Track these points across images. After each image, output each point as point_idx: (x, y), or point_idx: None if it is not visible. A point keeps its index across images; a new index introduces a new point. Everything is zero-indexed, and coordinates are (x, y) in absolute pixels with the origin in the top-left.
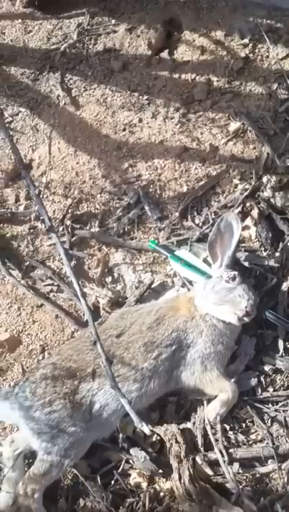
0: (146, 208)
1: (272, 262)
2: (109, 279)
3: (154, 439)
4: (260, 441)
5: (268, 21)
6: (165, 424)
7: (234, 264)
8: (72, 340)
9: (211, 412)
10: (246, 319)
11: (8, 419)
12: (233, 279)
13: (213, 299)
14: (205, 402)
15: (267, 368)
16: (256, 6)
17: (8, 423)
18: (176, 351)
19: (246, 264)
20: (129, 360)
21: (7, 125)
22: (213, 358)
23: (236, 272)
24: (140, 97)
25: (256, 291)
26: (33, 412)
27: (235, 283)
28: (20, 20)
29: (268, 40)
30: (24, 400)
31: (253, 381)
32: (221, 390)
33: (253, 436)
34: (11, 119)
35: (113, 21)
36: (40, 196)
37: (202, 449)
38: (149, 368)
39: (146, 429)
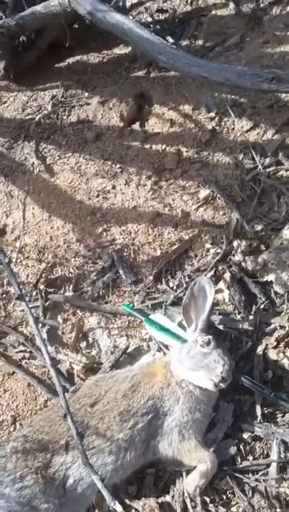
0: (121, 271)
1: (246, 325)
2: (83, 344)
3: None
4: None
5: (232, 96)
6: (143, 498)
7: (209, 327)
8: (44, 410)
9: (190, 484)
10: (222, 385)
11: None
12: (208, 343)
13: (188, 364)
14: (184, 474)
15: (246, 435)
16: (218, 85)
17: None
18: (152, 420)
19: (221, 327)
20: (104, 431)
21: None
22: (190, 426)
23: (211, 336)
24: (113, 166)
25: (232, 354)
26: (2, 489)
27: (210, 348)
28: None
29: (232, 113)
30: None
31: (232, 450)
32: (199, 461)
33: (234, 509)
34: None
35: (86, 94)
36: (14, 261)
37: None
38: (124, 439)
39: (119, 507)
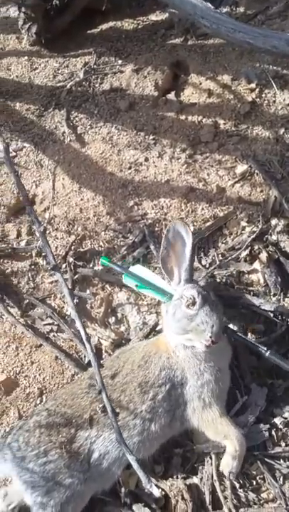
0: (152, 247)
1: (281, 308)
2: (112, 320)
3: (158, 494)
4: (272, 500)
5: (275, 67)
6: (170, 479)
7: (192, 277)
8: (68, 384)
9: (225, 468)
10: (214, 346)
11: (0, 471)
12: (193, 303)
13: (175, 328)
14: (213, 456)
15: (278, 420)
16: (263, 52)
17: (1, 476)
18: (170, 390)
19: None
20: (126, 404)
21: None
22: (206, 390)
23: (195, 294)
24: (146, 137)
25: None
26: (26, 464)
27: (196, 307)
28: (26, 57)
29: (274, 85)
30: (17, 451)
31: (264, 435)
32: (225, 437)
33: (264, 495)
34: (14, 154)
35: (120, 61)
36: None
37: (210, 507)
38: (148, 411)
39: (155, 490)
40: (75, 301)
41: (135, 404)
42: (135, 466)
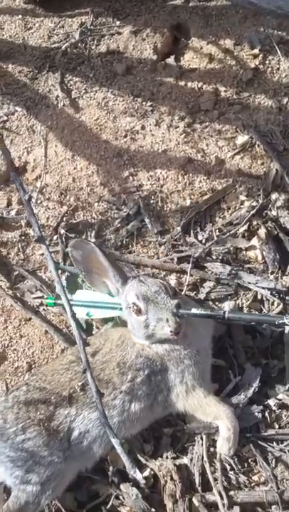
0: (147, 220)
1: (279, 286)
2: None
3: (147, 473)
4: (264, 483)
5: (280, 32)
6: (160, 459)
7: (123, 273)
8: (53, 359)
9: (221, 450)
10: (182, 332)
11: None
12: (139, 311)
13: (140, 336)
14: (204, 437)
15: (272, 402)
16: (268, 14)
17: None
18: (150, 375)
19: (251, 286)
20: (106, 384)
21: (1, 124)
22: (187, 373)
23: (135, 299)
24: (144, 103)
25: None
26: (4, 442)
27: (144, 313)
28: (20, 16)
29: (279, 51)
30: None
31: (257, 416)
32: (215, 417)
33: (255, 478)
34: (6, 118)
35: (118, 22)
36: (34, 202)
37: (199, 488)
38: (127, 392)
39: (139, 476)
40: (66, 273)
41: (114, 385)
42: (119, 450)
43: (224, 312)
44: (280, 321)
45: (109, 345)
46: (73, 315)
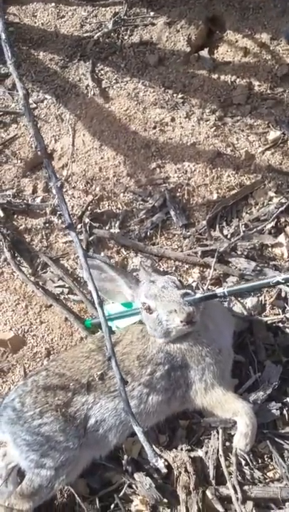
0: (172, 212)
1: None
2: None
3: (161, 464)
4: (278, 480)
5: None
6: (174, 450)
7: (134, 279)
8: (74, 346)
9: (238, 445)
10: (194, 320)
11: None
12: (149, 309)
13: (160, 336)
14: (220, 431)
15: None
16: None
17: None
18: (170, 371)
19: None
20: (124, 374)
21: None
22: (208, 372)
23: (144, 298)
24: (175, 95)
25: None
26: (21, 425)
27: (154, 309)
28: (53, 4)
29: None
30: (12, 411)
31: (275, 413)
32: (234, 414)
33: (270, 474)
34: (35, 105)
35: (152, 13)
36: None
37: (214, 482)
38: (146, 384)
39: (161, 464)
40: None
41: (133, 376)
42: (141, 438)
43: (224, 288)
44: (274, 281)
45: (129, 337)
46: (100, 302)
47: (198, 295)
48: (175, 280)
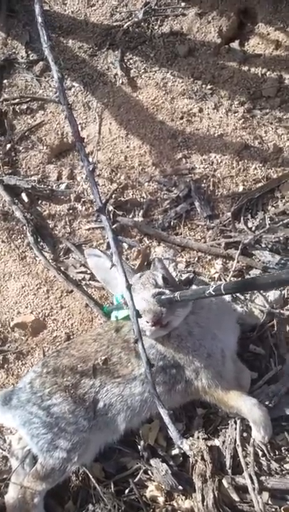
0: (197, 203)
1: None
2: None
3: (177, 451)
4: None
5: None
6: (191, 438)
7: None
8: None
9: (257, 437)
10: (161, 325)
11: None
12: (126, 304)
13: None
14: (238, 421)
15: None
16: None
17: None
18: (165, 368)
19: None
20: (126, 362)
21: (58, 99)
22: (202, 373)
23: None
24: (203, 86)
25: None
26: (30, 407)
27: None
28: None
29: None
30: (22, 393)
31: None
32: (239, 412)
33: (287, 466)
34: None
35: (183, 4)
36: (84, 177)
37: (230, 471)
38: (144, 375)
39: (186, 447)
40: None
41: (133, 366)
42: (166, 420)
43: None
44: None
45: (130, 323)
46: (128, 286)
47: (170, 295)
48: (157, 277)
